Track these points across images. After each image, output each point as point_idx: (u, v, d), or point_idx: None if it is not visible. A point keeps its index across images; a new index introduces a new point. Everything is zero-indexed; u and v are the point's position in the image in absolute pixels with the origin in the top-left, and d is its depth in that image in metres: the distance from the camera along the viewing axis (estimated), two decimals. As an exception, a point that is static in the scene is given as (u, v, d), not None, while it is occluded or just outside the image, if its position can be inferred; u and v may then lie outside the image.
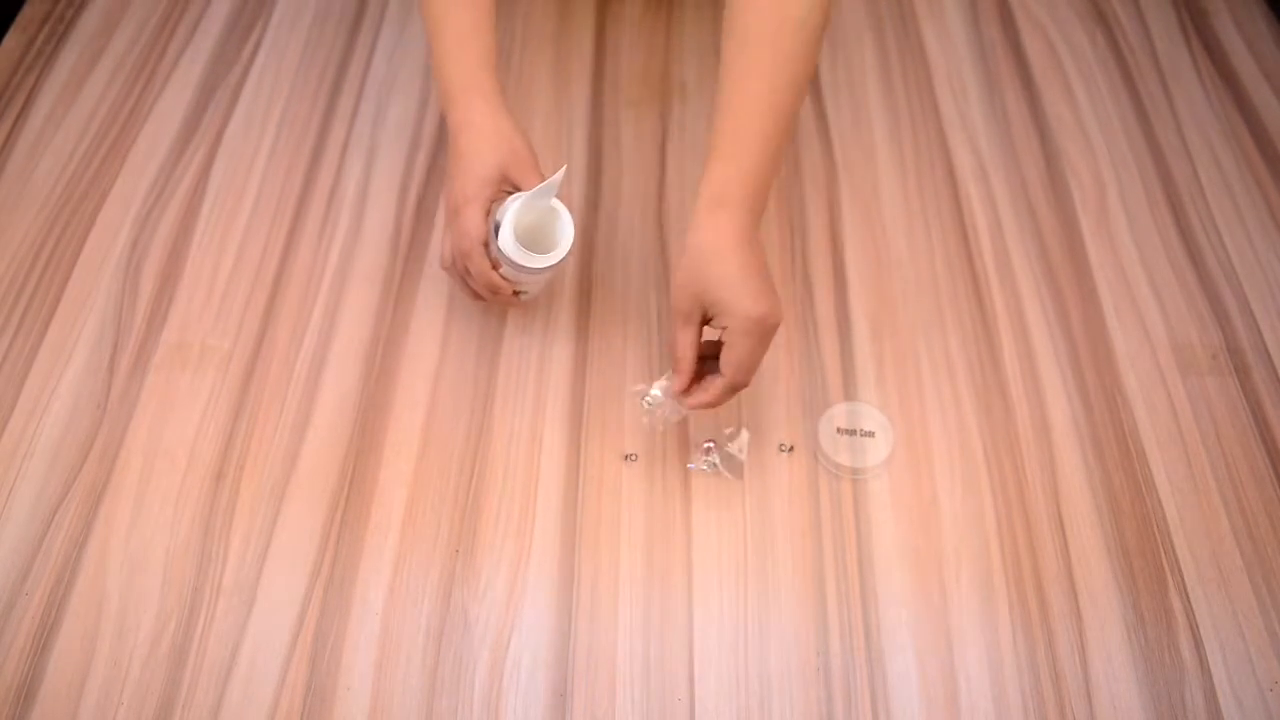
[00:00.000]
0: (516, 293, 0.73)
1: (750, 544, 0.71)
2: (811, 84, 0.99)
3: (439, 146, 0.94)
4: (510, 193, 0.72)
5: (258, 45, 1.03)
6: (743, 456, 0.74)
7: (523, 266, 0.70)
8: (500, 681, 0.65)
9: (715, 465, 0.74)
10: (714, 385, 0.66)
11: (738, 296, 0.62)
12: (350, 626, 0.67)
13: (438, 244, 0.86)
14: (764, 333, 0.63)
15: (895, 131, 0.95)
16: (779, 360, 0.79)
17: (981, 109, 0.97)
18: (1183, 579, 0.69)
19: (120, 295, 0.83)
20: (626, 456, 0.74)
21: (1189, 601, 0.68)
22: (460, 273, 0.74)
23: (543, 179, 0.71)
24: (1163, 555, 0.70)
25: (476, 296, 0.76)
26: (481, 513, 0.72)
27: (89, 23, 1.05)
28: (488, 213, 0.71)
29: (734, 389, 0.66)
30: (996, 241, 0.87)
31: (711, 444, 0.74)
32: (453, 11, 0.74)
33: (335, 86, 0.99)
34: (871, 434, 0.75)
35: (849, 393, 0.78)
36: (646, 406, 0.71)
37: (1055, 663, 0.65)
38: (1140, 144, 0.94)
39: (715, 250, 0.63)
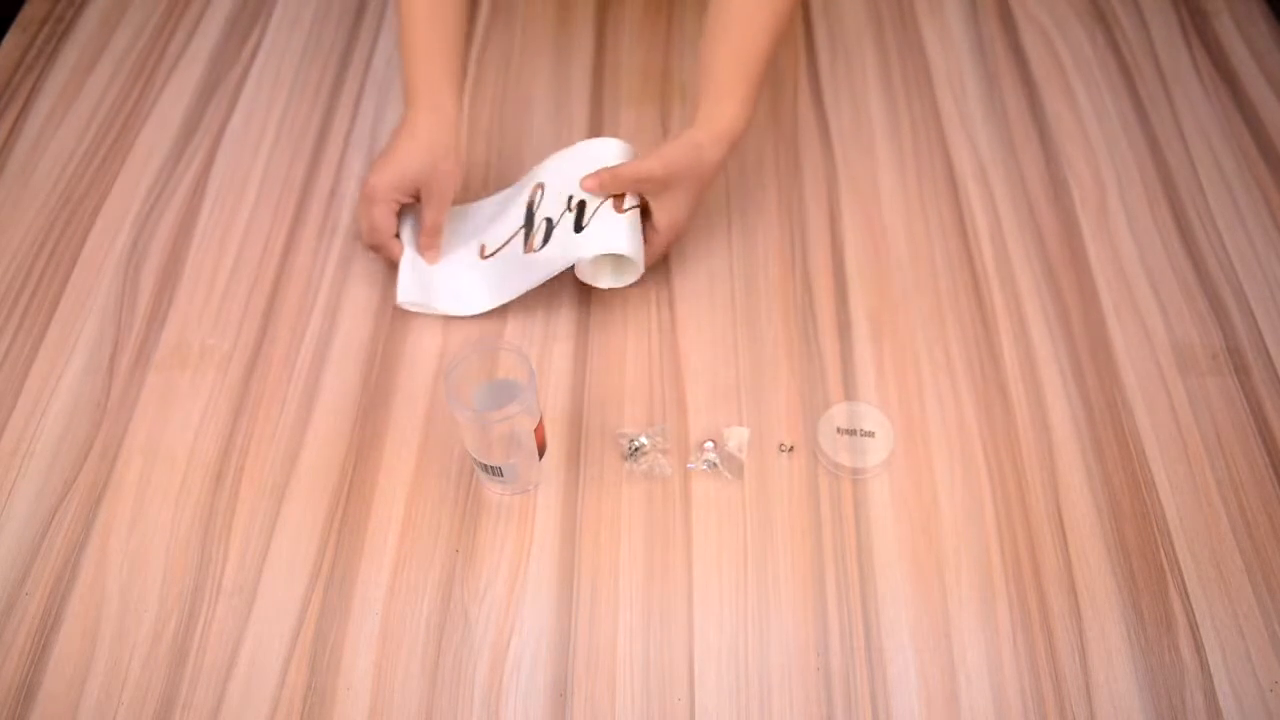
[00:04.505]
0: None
1: (750, 544, 0.70)
2: (811, 83, 0.99)
3: (439, 146, 0.94)
4: (411, 202, 0.81)
5: (258, 45, 1.03)
6: (743, 456, 0.74)
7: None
8: (500, 681, 0.65)
9: (715, 465, 0.74)
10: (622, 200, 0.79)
11: (686, 211, 0.80)
12: (350, 626, 0.67)
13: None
14: (672, 239, 0.81)
15: (895, 131, 0.95)
16: (779, 360, 0.79)
17: (981, 108, 0.97)
18: (1183, 579, 0.69)
19: (120, 295, 0.83)
20: (628, 454, 0.74)
21: (1189, 601, 0.68)
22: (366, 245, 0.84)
23: (445, 207, 0.80)
24: (1163, 555, 0.70)
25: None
26: (481, 513, 0.72)
27: (89, 23, 1.05)
28: (396, 212, 0.80)
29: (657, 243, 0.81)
30: (996, 241, 0.87)
31: (711, 443, 0.74)
32: (424, 12, 0.80)
33: (335, 86, 0.99)
34: (871, 434, 0.74)
35: (849, 393, 0.78)
36: (631, 451, 0.73)
37: (1055, 663, 0.65)
38: (1140, 144, 0.94)
39: (699, 174, 0.78)
